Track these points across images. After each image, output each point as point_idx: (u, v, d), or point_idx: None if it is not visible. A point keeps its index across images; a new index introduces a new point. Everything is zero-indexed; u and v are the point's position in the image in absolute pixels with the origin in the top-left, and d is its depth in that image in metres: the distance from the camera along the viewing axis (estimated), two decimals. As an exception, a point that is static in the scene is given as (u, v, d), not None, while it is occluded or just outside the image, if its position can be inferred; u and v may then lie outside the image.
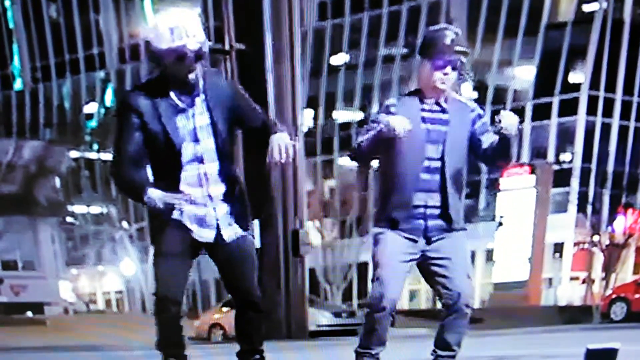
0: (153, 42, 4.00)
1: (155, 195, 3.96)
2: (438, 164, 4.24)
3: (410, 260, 4.30)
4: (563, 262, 38.28)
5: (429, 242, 4.28)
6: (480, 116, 4.34)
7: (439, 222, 4.26)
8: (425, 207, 4.24)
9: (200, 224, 4.08)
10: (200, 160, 4.04)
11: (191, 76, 3.99)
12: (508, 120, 4.17)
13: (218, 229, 4.08)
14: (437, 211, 4.25)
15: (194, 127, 4.04)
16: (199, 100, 4.06)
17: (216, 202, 4.08)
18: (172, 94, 4.03)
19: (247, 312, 4.16)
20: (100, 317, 34.90)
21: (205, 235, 4.09)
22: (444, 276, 4.27)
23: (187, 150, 4.02)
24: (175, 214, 4.05)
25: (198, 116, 4.05)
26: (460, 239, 4.32)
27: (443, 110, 4.28)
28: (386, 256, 4.26)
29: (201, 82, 4.07)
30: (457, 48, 4.23)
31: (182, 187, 4.02)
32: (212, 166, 4.06)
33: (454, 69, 4.24)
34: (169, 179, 4.02)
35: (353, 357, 4.40)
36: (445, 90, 4.27)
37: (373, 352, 4.34)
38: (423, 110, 4.26)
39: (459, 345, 4.35)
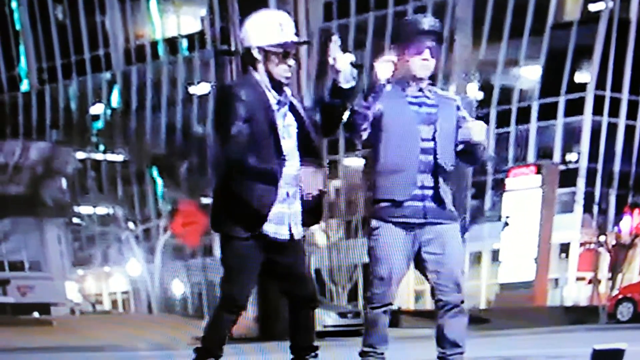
0: (259, 42, 4.05)
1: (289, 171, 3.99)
2: (431, 144, 4.25)
3: (411, 254, 4.28)
4: (569, 262, 38.20)
5: (426, 219, 4.26)
6: (459, 107, 4.36)
7: (434, 204, 4.27)
8: (423, 187, 4.25)
9: (279, 222, 4.12)
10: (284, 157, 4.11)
11: (287, 74, 4.07)
12: (476, 130, 4.23)
13: (289, 227, 4.15)
14: (431, 192, 4.26)
15: (285, 124, 4.12)
16: (287, 100, 4.15)
17: (292, 200, 4.13)
18: (271, 92, 4.10)
19: (306, 309, 4.21)
20: (106, 317, 34.95)
21: (282, 232, 4.13)
22: (438, 272, 4.26)
23: (278, 148, 4.08)
24: (265, 227, 4.07)
25: (287, 115, 4.13)
26: (453, 233, 4.31)
27: (427, 96, 4.30)
28: (385, 252, 4.25)
29: (287, 89, 4.17)
30: (434, 30, 4.25)
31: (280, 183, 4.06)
32: (293, 164, 4.11)
33: (432, 55, 4.24)
34: (270, 173, 4.03)
35: (357, 358, 4.38)
36: (425, 78, 4.28)
37: (378, 350, 4.32)
38: (407, 96, 4.28)
39: (463, 341, 4.32)
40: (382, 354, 4.32)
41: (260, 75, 4.07)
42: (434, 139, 4.24)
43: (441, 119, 4.27)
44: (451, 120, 4.30)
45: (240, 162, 3.99)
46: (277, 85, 4.09)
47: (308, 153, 4.10)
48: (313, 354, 4.27)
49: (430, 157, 4.24)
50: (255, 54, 4.05)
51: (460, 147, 4.30)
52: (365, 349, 4.33)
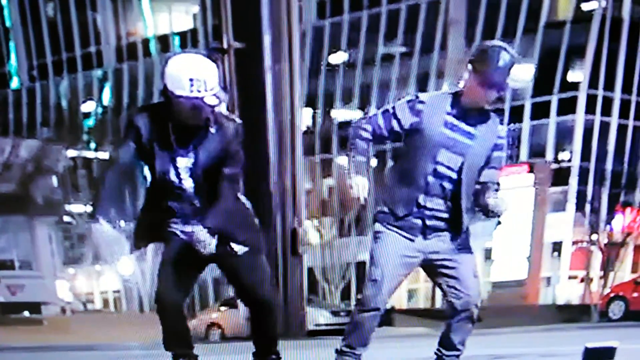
0: (169, 86, 4.05)
1: (96, 229, 4.15)
2: (452, 174, 4.15)
3: (410, 264, 4.23)
4: (561, 260, 38.28)
5: (425, 238, 4.21)
6: (501, 147, 4.24)
7: (440, 224, 4.19)
8: (425, 208, 4.17)
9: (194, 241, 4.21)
10: (183, 196, 4.17)
11: (194, 122, 4.07)
12: (497, 207, 4.15)
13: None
14: (438, 214, 4.18)
15: (179, 167, 4.15)
16: (192, 142, 4.16)
17: (202, 232, 4.17)
18: (170, 133, 4.12)
19: (257, 312, 4.24)
20: (97, 316, 34.87)
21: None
22: (451, 277, 4.21)
23: (174, 185, 4.16)
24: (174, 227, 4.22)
25: (184, 157, 4.16)
26: (460, 240, 4.27)
27: (469, 123, 4.18)
28: (383, 256, 4.20)
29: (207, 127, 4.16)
30: (509, 69, 4.15)
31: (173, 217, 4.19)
32: (196, 202, 4.18)
33: (499, 91, 4.16)
34: (159, 206, 4.20)
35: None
36: (485, 107, 4.19)
37: (357, 352, 4.29)
38: (450, 114, 4.16)
39: (463, 344, 4.31)
40: (359, 355, 4.29)
41: (170, 115, 4.09)
42: (460, 170, 4.14)
43: (473, 151, 4.15)
44: (483, 154, 4.19)
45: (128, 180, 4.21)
46: (184, 130, 4.09)
47: (208, 193, 4.10)
48: (274, 357, 4.26)
49: (447, 184, 4.14)
50: (170, 95, 4.06)
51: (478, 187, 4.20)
52: (344, 348, 4.29)
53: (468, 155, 4.15)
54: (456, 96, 4.17)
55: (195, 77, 3.96)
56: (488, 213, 4.17)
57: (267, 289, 4.25)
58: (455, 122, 4.16)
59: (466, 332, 4.26)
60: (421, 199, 4.16)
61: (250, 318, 4.31)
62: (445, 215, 4.15)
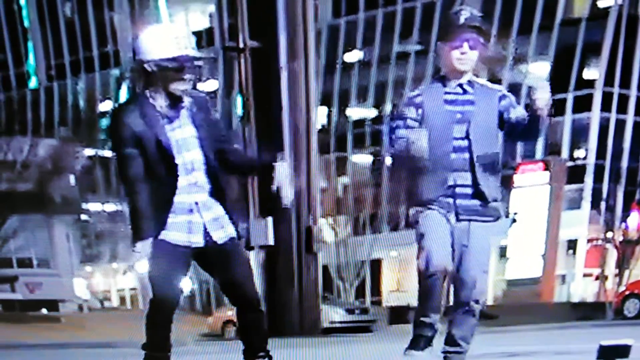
0: (151, 53, 4.06)
1: (139, 248, 4.15)
2: (465, 142, 4.22)
3: (449, 233, 4.26)
4: (576, 258, 38.12)
5: (458, 218, 4.26)
6: (504, 96, 4.32)
7: (470, 200, 4.25)
8: (455, 186, 4.23)
9: (189, 231, 4.19)
10: (187, 169, 4.15)
11: (182, 87, 4.08)
12: (540, 93, 4.14)
13: (207, 233, 4.19)
14: (467, 190, 4.24)
15: (179, 138, 4.14)
16: (184, 112, 4.15)
17: (203, 208, 4.18)
18: (158, 105, 4.11)
19: (246, 312, 4.24)
20: (114, 314, 35.02)
21: (195, 240, 4.20)
22: (460, 267, 4.25)
23: (178, 160, 4.15)
24: (162, 234, 4.17)
25: (183, 127, 4.15)
26: (482, 230, 4.30)
27: (466, 92, 4.25)
28: (429, 226, 4.25)
29: (187, 98, 4.15)
30: (472, 24, 4.20)
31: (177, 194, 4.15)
32: (198, 175, 4.16)
33: (471, 48, 4.20)
34: (167, 187, 4.15)
35: (364, 354, 4.38)
36: (467, 71, 4.24)
37: (428, 320, 4.29)
38: (446, 93, 4.25)
39: (465, 341, 4.29)
40: (434, 324, 4.27)
41: (151, 92, 4.09)
42: (467, 136, 4.21)
43: (477, 115, 4.22)
44: (491, 113, 4.25)
45: (130, 184, 4.19)
46: (173, 100, 4.09)
47: (213, 164, 4.13)
48: (263, 353, 4.24)
49: (465, 155, 4.21)
50: (149, 68, 4.05)
51: (519, 127, 4.24)
52: (420, 319, 4.30)
53: (473, 119, 4.22)
54: (443, 77, 4.27)
55: (178, 34, 4.03)
56: (538, 111, 4.15)
57: (253, 286, 4.25)
58: (454, 97, 4.24)
59: (469, 327, 4.26)
60: (450, 178, 4.21)
61: (237, 316, 4.26)
62: (472, 190, 4.20)
